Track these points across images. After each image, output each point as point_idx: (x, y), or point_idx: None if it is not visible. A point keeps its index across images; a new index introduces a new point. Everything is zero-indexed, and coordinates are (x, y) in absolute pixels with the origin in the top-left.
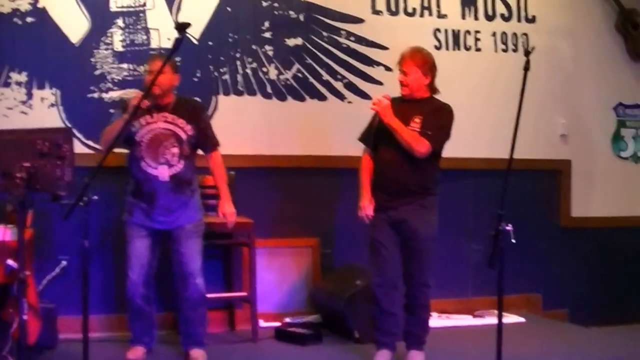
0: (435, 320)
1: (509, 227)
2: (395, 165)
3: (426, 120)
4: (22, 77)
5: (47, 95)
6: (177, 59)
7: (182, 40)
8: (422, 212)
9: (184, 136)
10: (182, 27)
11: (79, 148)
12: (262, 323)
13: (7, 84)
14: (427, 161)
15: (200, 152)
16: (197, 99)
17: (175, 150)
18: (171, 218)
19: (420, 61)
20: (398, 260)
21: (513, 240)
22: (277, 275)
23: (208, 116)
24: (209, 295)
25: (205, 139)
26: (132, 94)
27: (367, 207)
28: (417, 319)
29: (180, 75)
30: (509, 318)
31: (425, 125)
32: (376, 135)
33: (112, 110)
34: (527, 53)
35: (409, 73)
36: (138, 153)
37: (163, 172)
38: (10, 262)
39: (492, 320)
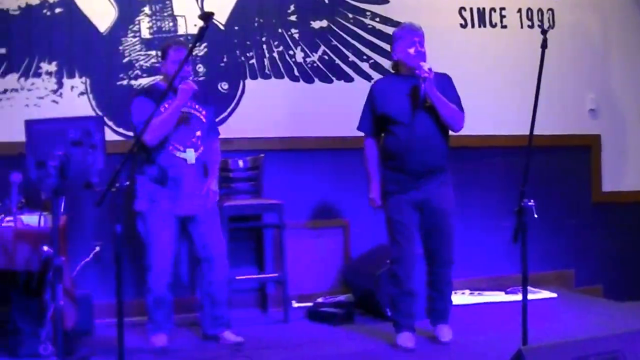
0: (468, 297)
1: (532, 203)
2: (418, 144)
3: (440, 93)
4: (52, 67)
5: (77, 84)
6: (203, 45)
7: (206, 29)
8: (444, 189)
9: (204, 120)
10: (206, 17)
11: (109, 135)
12: (294, 304)
13: (37, 74)
14: (446, 137)
15: None
16: (226, 84)
17: (199, 133)
18: (196, 202)
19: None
20: (418, 240)
21: (535, 216)
22: (308, 256)
23: (214, 103)
24: (240, 277)
25: (212, 126)
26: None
27: (377, 199)
28: (443, 296)
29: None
30: (541, 294)
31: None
32: (385, 118)
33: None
34: (544, 32)
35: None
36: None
37: (190, 156)
38: (45, 248)
39: None
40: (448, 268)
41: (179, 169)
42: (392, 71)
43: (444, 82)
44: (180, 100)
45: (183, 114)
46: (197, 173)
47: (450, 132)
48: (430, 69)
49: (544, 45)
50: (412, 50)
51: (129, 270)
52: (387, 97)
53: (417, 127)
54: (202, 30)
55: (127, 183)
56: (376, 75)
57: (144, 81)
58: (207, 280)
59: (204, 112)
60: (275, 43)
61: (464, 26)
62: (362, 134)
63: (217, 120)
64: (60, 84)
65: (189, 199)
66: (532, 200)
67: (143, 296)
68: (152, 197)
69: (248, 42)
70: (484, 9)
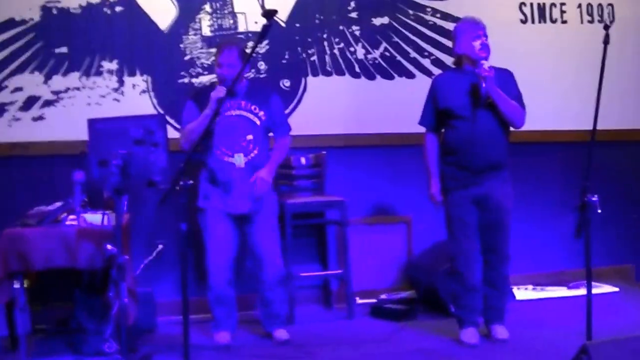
0: (531, 293)
1: (595, 198)
2: (479, 138)
3: (501, 89)
4: (113, 65)
5: (138, 82)
6: (264, 42)
7: (270, 28)
8: (505, 185)
9: (257, 122)
10: (269, 14)
11: (171, 133)
12: (358, 300)
13: (98, 73)
14: (507, 133)
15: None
16: (288, 81)
17: (250, 137)
18: (248, 202)
19: None
20: (478, 236)
21: (599, 211)
22: (371, 253)
23: (280, 99)
24: (303, 274)
25: (276, 124)
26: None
27: (437, 195)
28: (501, 292)
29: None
30: (603, 288)
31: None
32: (447, 113)
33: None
34: (606, 27)
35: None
36: (213, 142)
37: (239, 160)
38: (109, 247)
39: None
40: (506, 264)
41: (228, 172)
42: (454, 66)
43: (506, 77)
44: (209, 108)
45: (231, 119)
46: (248, 176)
47: (511, 128)
48: (490, 67)
49: (606, 41)
50: (477, 44)
51: (192, 268)
52: (449, 91)
53: (479, 122)
54: (266, 28)
55: (191, 182)
56: (437, 72)
57: (205, 79)
58: (259, 280)
59: (261, 113)
60: (336, 40)
61: (524, 22)
62: (423, 129)
63: None
64: (121, 82)
65: (241, 199)
66: (595, 196)
67: (205, 294)
68: (207, 194)
69: (309, 39)
70: (544, 4)
